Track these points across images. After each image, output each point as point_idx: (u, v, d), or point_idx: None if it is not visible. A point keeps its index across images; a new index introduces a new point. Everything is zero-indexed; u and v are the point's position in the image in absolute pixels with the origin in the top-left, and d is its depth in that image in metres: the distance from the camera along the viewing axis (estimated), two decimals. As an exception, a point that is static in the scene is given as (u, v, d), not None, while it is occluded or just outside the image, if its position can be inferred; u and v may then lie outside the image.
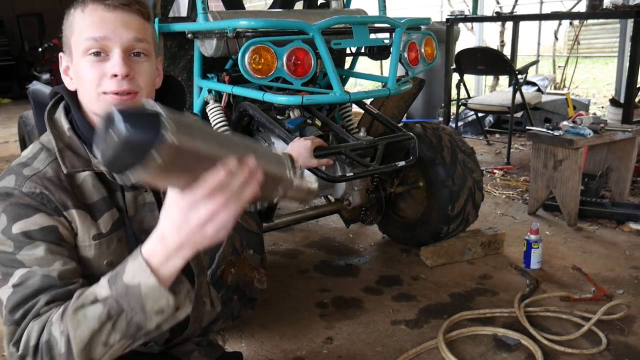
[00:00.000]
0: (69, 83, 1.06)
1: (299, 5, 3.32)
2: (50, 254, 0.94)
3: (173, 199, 0.76)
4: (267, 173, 0.78)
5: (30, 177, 0.97)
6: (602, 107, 6.80)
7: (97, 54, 0.97)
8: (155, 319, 0.82)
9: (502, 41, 7.60)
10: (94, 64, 0.98)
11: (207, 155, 0.71)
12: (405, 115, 3.89)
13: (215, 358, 1.28)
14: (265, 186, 0.79)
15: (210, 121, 2.40)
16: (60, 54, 1.06)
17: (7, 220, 0.94)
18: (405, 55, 2.34)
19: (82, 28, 0.98)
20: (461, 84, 4.99)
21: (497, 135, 5.52)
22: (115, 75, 0.97)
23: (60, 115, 1.07)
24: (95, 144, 0.69)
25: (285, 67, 2.02)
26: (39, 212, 0.95)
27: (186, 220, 0.75)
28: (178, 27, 2.43)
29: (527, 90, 5.32)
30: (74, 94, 1.06)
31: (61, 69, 1.06)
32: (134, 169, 0.65)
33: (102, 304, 0.82)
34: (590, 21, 8.67)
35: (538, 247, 2.56)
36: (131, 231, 1.05)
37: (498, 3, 8.00)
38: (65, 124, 1.05)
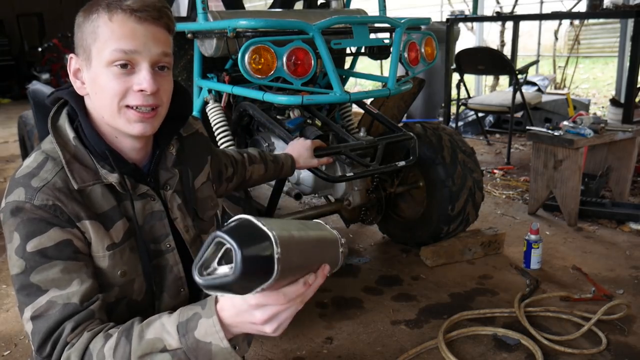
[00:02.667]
0: (80, 87, 1.01)
1: (299, 5, 3.32)
2: (67, 274, 0.93)
3: (243, 309, 0.78)
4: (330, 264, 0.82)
5: (40, 189, 0.94)
6: (603, 107, 6.81)
7: (124, 65, 0.95)
8: None
9: (502, 41, 7.60)
10: (119, 76, 0.95)
11: (299, 271, 0.76)
12: (405, 115, 3.89)
13: None
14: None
15: (210, 121, 2.40)
16: (71, 55, 1.01)
17: (21, 239, 0.93)
18: (405, 55, 2.33)
19: (109, 37, 0.94)
20: (461, 84, 4.99)
21: (497, 135, 5.52)
22: (142, 90, 0.96)
23: (64, 122, 1.03)
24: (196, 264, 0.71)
25: (285, 67, 2.02)
26: (53, 227, 0.93)
27: (250, 314, 0.78)
28: (178, 27, 2.42)
29: (527, 90, 5.32)
30: (81, 100, 1.03)
31: (70, 71, 1.02)
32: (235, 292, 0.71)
33: (171, 355, 0.83)
34: (590, 21, 8.68)
35: (538, 247, 2.56)
36: (142, 240, 1.04)
37: (498, 3, 8.00)
38: (70, 133, 1.01)
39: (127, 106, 0.97)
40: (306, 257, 0.77)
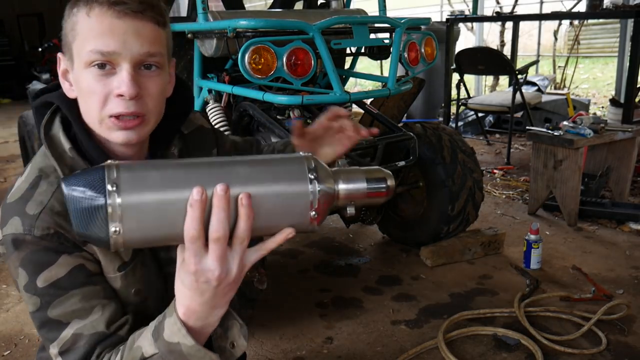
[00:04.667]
0: (68, 89, 0.91)
1: (299, 5, 3.32)
2: (87, 302, 0.86)
3: (178, 266, 0.73)
4: (267, 193, 0.71)
5: (38, 217, 0.85)
6: (602, 107, 6.80)
7: (101, 66, 0.83)
8: None
9: (502, 41, 7.60)
10: (98, 79, 0.84)
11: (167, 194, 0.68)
12: (405, 115, 3.89)
13: None
14: (275, 209, 0.72)
15: (211, 121, 2.40)
16: (59, 54, 0.91)
17: (29, 275, 0.85)
18: (405, 55, 2.34)
19: (87, 35, 0.83)
20: (461, 84, 4.99)
21: (497, 135, 5.51)
22: (121, 95, 0.84)
23: (58, 131, 0.92)
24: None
25: (285, 67, 2.02)
26: (61, 255, 0.85)
27: (204, 279, 0.72)
28: (178, 27, 2.43)
29: (527, 90, 5.32)
30: (74, 103, 0.91)
31: (59, 71, 0.91)
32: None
33: None
34: (590, 21, 8.68)
35: (538, 247, 2.56)
36: (150, 253, 0.97)
37: (498, 3, 8.01)
38: (66, 144, 0.90)
39: (110, 116, 0.85)
40: (169, 186, 0.69)
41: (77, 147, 0.91)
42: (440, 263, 2.66)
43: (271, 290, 2.34)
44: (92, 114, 0.87)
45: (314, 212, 0.73)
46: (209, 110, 2.45)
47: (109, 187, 0.65)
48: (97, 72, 0.84)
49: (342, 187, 0.77)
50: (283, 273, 2.66)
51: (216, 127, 2.38)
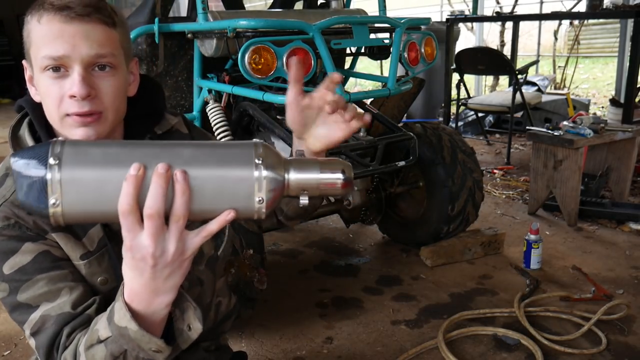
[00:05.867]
0: (35, 94, 0.95)
1: (299, 5, 3.32)
2: (53, 285, 0.90)
3: (123, 250, 0.74)
4: (208, 173, 0.71)
5: None
6: (602, 107, 6.80)
7: (55, 69, 0.87)
8: (162, 354, 0.80)
9: (502, 41, 7.60)
10: (53, 81, 0.87)
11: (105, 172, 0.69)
12: (405, 115, 3.89)
13: None
14: (217, 194, 0.71)
15: (211, 121, 2.40)
16: (24, 61, 0.95)
17: None
18: (405, 55, 2.34)
19: (39, 42, 0.87)
20: (461, 84, 4.99)
21: (497, 135, 5.51)
22: (74, 96, 0.87)
23: (24, 132, 0.97)
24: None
25: (285, 67, 2.02)
26: (25, 242, 0.90)
27: (139, 255, 0.72)
28: (178, 27, 2.43)
29: (527, 90, 5.32)
30: (39, 107, 0.95)
31: (26, 77, 0.95)
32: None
33: (104, 345, 0.80)
34: (590, 21, 8.68)
35: (538, 247, 2.56)
36: (113, 247, 0.98)
37: (498, 3, 8.00)
38: (30, 142, 0.96)
39: (68, 114, 0.89)
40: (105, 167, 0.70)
41: None
42: (440, 263, 2.66)
43: (271, 290, 2.34)
44: (52, 115, 0.91)
45: (258, 198, 0.72)
46: (209, 110, 2.45)
47: (51, 160, 0.67)
48: (51, 75, 0.87)
49: (292, 176, 0.75)
50: (283, 273, 2.66)
51: (216, 127, 2.38)
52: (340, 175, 0.77)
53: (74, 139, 0.72)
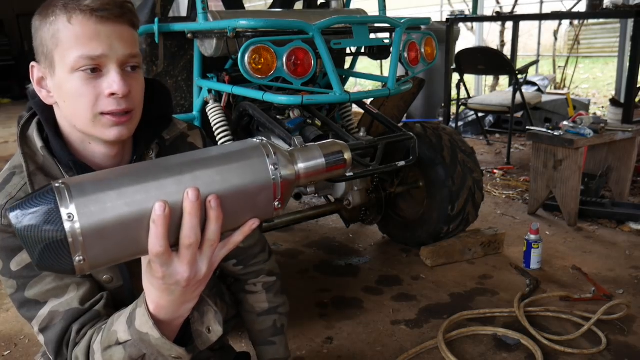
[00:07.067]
0: (46, 97, 0.94)
1: (299, 5, 3.32)
2: (61, 281, 0.91)
3: (144, 268, 0.74)
4: (232, 191, 0.70)
5: (4, 206, 0.91)
6: (602, 107, 6.81)
7: (93, 70, 0.87)
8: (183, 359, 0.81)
9: (502, 41, 7.61)
10: (87, 81, 0.87)
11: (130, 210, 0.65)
12: (405, 115, 3.89)
13: None
14: (244, 200, 0.71)
15: (211, 121, 2.40)
16: (32, 63, 0.94)
17: (2, 260, 0.91)
18: (405, 55, 2.33)
19: (71, 42, 0.86)
20: (461, 84, 4.99)
21: (497, 135, 5.52)
22: (113, 94, 0.88)
23: (33, 132, 0.98)
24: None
25: (285, 67, 2.02)
26: None
27: (173, 281, 0.72)
28: (178, 27, 2.43)
29: (527, 90, 5.32)
30: (49, 109, 0.96)
31: (33, 80, 0.94)
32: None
33: (123, 348, 0.81)
34: (590, 21, 8.68)
35: (538, 247, 2.56)
36: None
37: (498, 3, 8.01)
38: (38, 143, 0.97)
39: (102, 113, 0.89)
40: (132, 193, 0.65)
41: (49, 148, 0.97)
42: (440, 263, 2.66)
43: (271, 290, 2.34)
44: (82, 115, 0.90)
45: (277, 202, 0.74)
46: (209, 110, 2.45)
47: (64, 214, 0.61)
48: (86, 76, 0.87)
49: (301, 166, 0.77)
50: (283, 273, 2.64)
51: (216, 127, 2.37)
52: (342, 156, 0.80)
53: (72, 178, 0.66)
